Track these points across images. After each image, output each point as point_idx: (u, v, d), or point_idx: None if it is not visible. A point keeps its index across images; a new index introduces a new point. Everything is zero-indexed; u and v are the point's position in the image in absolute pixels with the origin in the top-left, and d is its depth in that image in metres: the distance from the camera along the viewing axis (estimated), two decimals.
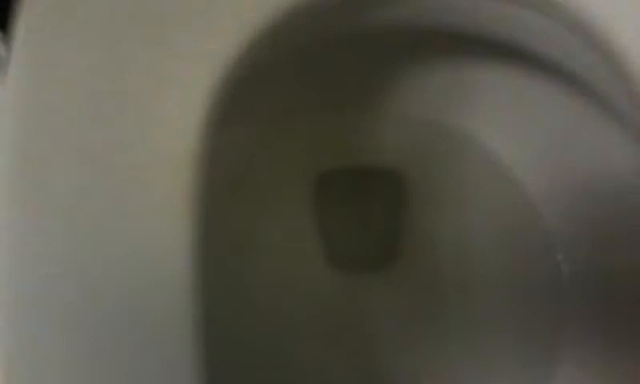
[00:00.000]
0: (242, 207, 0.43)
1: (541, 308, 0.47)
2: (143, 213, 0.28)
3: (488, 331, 0.47)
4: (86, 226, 0.28)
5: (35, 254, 0.28)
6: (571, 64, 0.36)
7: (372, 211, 0.50)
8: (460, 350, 0.46)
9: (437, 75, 0.46)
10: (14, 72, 0.29)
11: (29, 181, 0.28)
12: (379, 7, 0.36)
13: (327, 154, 0.50)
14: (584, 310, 0.45)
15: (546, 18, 0.34)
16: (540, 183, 0.47)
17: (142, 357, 0.27)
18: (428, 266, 0.48)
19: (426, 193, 0.50)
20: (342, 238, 0.50)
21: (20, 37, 0.30)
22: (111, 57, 0.30)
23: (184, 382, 0.26)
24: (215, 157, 0.31)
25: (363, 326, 0.47)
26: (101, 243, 0.28)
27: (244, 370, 0.43)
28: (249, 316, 0.43)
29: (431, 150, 0.49)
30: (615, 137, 0.41)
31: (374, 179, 0.50)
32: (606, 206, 0.44)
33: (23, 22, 0.30)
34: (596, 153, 0.43)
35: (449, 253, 0.48)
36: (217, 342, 0.31)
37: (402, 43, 0.42)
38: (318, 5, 0.33)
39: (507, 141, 0.47)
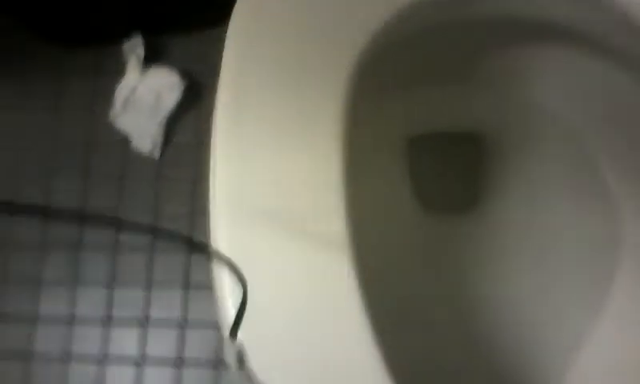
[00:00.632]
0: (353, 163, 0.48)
1: (599, 242, 0.56)
2: None
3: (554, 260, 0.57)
4: None
5: None
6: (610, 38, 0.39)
7: (457, 166, 0.61)
8: (532, 279, 0.57)
9: (512, 55, 0.54)
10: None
11: None
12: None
13: (421, 119, 0.61)
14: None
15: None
16: (597, 141, 0.54)
17: None
18: (502, 210, 0.59)
19: (502, 151, 0.60)
20: (432, 187, 0.61)
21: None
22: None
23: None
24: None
25: (449, 257, 0.59)
26: None
27: None
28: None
29: (506, 116, 0.59)
30: None
31: (459, 141, 0.61)
32: None
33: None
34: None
35: (520, 199, 0.59)
36: None
37: (492, 31, 0.50)
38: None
39: (571, 108, 0.54)
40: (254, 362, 0.36)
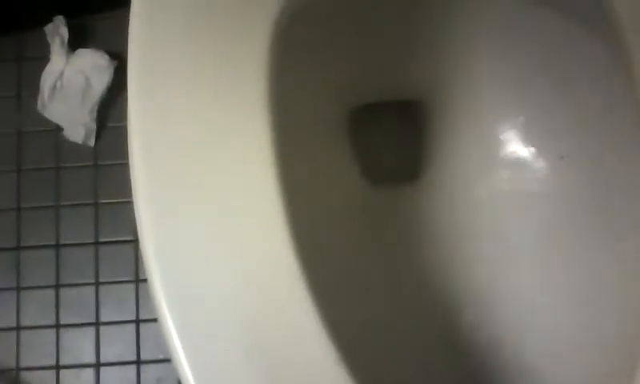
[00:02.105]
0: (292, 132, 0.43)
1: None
2: None
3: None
4: None
5: None
6: None
7: (398, 136, 0.59)
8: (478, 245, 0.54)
9: (442, 12, 0.50)
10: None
11: None
12: None
13: (357, 89, 0.57)
14: None
15: None
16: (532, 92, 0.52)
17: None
18: (450, 176, 0.56)
19: (444, 119, 0.57)
20: (375, 157, 0.58)
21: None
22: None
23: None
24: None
25: (395, 224, 0.56)
26: None
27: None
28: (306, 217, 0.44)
29: (442, 79, 0.55)
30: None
31: (399, 110, 0.58)
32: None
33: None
34: None
35: (463, 166, 0.55)
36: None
37: None
38: None
39: (506, 60, 0.52)
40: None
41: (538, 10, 0.46)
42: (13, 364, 0.79)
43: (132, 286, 0.80)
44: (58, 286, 0.81)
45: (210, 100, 0.37)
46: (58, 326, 0.80)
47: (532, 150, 0.53)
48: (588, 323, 0.45)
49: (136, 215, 0.36)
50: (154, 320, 0.79)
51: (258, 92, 0.37)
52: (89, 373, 0.78)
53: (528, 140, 0.53)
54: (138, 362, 0.78)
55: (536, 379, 0.48)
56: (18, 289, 0.81)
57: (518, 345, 0.50)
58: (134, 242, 0.81)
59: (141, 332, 0.79)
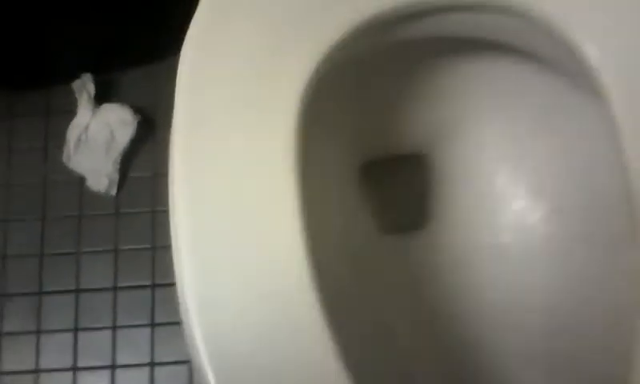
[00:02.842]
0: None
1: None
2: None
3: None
4: None
5: None
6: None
7: (408, 186, 0.62)
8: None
9: (451, 74, 0.55)
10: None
11: None
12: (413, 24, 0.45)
13: (370, 144, 0.61)
14: None
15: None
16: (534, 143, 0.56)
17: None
18: (453, 225, 0.60)
19: (446, 172, 0.61)
20: (384, 207, 0.61)
21: None
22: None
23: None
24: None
25: (408, 272, 0.59)
26: None
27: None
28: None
29: (450, 139, 0.60)
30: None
31: (408, 162, 0.62)
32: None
33: None
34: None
35: (469, 215, 0.59)
36: None
37: (436, 48, 0.51)
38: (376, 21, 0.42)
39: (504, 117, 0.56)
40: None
41: (536, 72, 0.50)
42: None
43: (148, 330, 0.83)
44: (76, 330, 0.83)
45: (244, 147, 0.41)
46: (75, 368, 0.82)
47: (526, 202, 0.56)
48: None
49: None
50: (168, 363, 0.81)
51: (286, 144, 0.41)
52: None
53: (523, 193, 0.56)
54: None
55: None
56: (38, 332, 0.84)
57: None
58: (151, 287, 0.84)
59: (155, 375, 0.81)
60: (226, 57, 0.42)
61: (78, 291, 0.85)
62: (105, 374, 0.82)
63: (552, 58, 0.42)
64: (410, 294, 0.59)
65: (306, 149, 0.43)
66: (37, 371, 0.83)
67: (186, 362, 0.80)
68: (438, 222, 0.61)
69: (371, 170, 0.63)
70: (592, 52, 0.37)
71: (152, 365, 0.82)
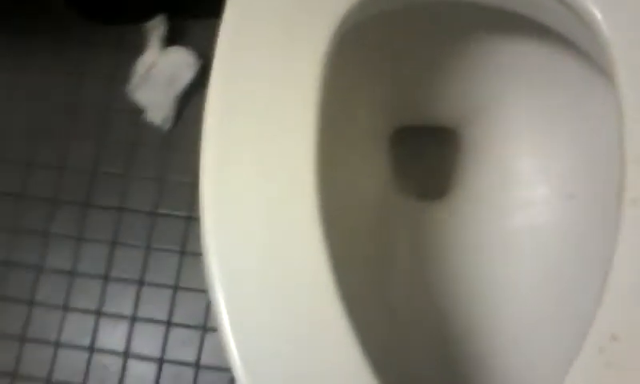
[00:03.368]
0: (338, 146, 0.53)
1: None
2: None
3: None
4: None
5: None
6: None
7: (435, 157, 0.67)
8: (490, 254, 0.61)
9: (483, 53, 0.59)
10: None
11: None
12: None
13: (402, 112, 0.66)
14: None
15: None
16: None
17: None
18: (471, 198, 0.64)
19: (472, 148, 0.65)
20: (409, 174, 0.66)
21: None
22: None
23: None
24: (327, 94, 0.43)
25: (424, 238, 0.63)
26: None
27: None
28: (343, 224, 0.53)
29: (479, 116, 0.64)
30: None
31: (439, 135, 0.66)
32: None
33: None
34: None
35: (481, 193, 0.64)
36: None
37: (476, 16, 0.54)
38: None
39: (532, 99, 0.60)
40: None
41: (568, 59, 0.54)
42: None
43: (177, 256, 0.90)
44: (113, 244, 0.91)
45: (269, 94, 0.45)
46: (106, 277, 0.90)
47: (544, 187, 0.61)
48: None
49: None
50: (190, 289, 0.88)
51: (311, 93, 0.44)
52: None
53: (541, 178, 0.61)
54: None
55: None
56: (79, 239, 0.92)
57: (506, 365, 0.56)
58: (186, 218, 0.91)
59: (177, 297, 0.88)
60: (260, 19, 0.47)
61: (120, 209, 0.93)
62: (132, 288, 0.90)
63: (572, 35, 0.47)
64: (417, 260, 0.63)
65: (332, 101, 0.46)
66: (72, 273, 0.91)
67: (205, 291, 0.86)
68: (456, 195, 0.65)
69: (404, 136, 0.68)
70: (602, 23, 0.41)
71: (175, 288, 0.89)
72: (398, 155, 0.68)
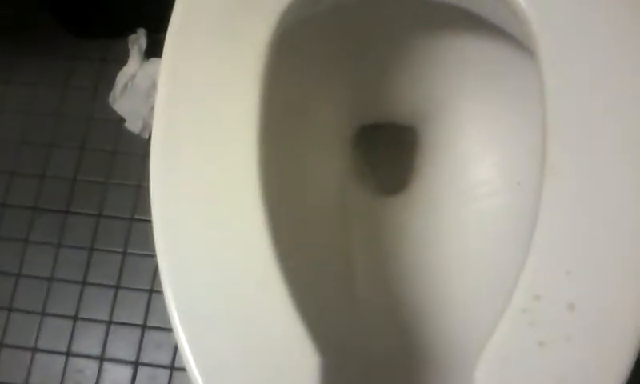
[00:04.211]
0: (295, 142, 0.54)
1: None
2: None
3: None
4: None
5: None
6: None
7: (394, 154, 0.68)
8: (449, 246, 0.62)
9: (436, 51, 0.61)
10: None
11: None
12: None
13: (363, 109, 0.68)
14: None
15: None
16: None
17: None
18: (427, 191, 0.66)
19: (429, 144, 0.67)
20: (370, 170, 0.67)
21: None
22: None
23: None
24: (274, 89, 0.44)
25: (385, 232, 0.65)
26: None
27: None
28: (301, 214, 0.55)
29: (434, 114, 0.66)
30: None
31: (398, 132, 0.68)
32: None
33: None
34: None
35: (442, 180, 0.66)
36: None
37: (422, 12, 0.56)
38: None
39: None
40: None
41: (514, 54, 0.57)
42: None
43: (154, 260, 0.91)
44: (91, 249, 0.93)
45: (212, 88, 0.47)
46: (84, 283, 0.92)
47: (495, 176, 0.63)
48: None
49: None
50: None
51: (253, 85, 0.45)
52: None
53: (492, 166, 0.63)
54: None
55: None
56: (59, 246, 0.94)
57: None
58: None
59: (152, 301, 0.90)
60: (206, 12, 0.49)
61: (99, 216, 0.95)
62: (109, 293, 0.91)
63: (507, 25, 0.49)
64: (376, 249, 0.65)
65: (280, 96, 0.48)
66: (50, 279, 0.93)
67: None
68: (414, 188, 0.67)
69: (364, 134, 0.70)
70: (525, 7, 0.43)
71: (151, 291, 0.90)
72: (358, 152, 0.70)
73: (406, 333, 0.57)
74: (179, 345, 0.42)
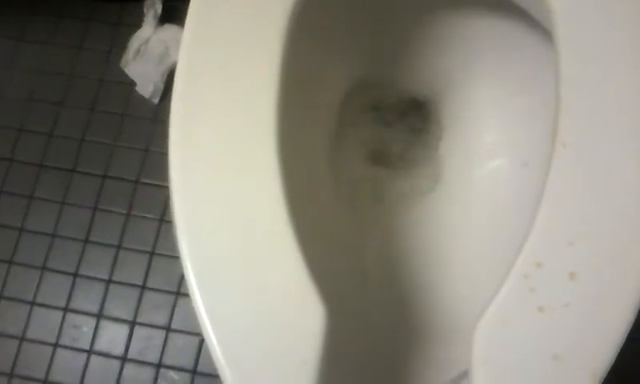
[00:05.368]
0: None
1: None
2: None
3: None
4: None
5: None
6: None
7: (404, 128, 0.68)
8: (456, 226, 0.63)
9: (452, 27, 0.62)
10: None
11: None
12: None
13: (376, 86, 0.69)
14: None
15: None
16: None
17: None
18: (437, 168, 0.67)
19: (443, 118, 0.67)
20: (377, 144, 0.68)
21: None
22: None
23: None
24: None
25: (396, 206, 0.66)
26: None
27: None
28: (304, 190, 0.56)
29: (446, 90, 0.66)
30: None
31: (409, 107, 0.69)
32: None
33: None
34: None
35: (452, 159, 0.66)
36: None
37: None
38: None
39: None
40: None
41: (527, 32, 0.57)
42: None
43: (156, 223, 0.92)
44: (95, 209, 0.94)
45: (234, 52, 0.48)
46: (86, 241, 0.93)
47: (503, 157, 0.64)
48: None
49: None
50: (166, 256, 0.91)
51: (272, 64, 0.46)
52: None
53: (500, 145, 0.64)
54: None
55: None
56: (63, 203, 0.95)
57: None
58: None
59: (152, 262, 0.91)
60: None
61: (104, 177, 0.95)
62: (110, 252, 0.92)
63: (524, 3, 0.50)
64: (385, 223, 0.67)
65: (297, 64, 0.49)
66: (53, 236, 0.94)
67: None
68: (421, 164, 0.69)
69: (375, 108, 0.71)
70: None
71: (152, 254, 0.91)
72: (369, 127, 0.71)
73: (410, 304, 0.59)
74: (190, 290, 0.43)
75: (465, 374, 0.40)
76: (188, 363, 0.85)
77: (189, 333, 0.86)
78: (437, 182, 0.67)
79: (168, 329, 0.87)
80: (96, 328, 0.89)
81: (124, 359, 0.87)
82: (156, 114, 0.97)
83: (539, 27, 0.52)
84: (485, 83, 0.63)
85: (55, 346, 0.89)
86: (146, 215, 0.93)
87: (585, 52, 0.43)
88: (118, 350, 0.87)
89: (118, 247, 0.92)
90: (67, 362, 0.89)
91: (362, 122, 0.71)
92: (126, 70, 0.98)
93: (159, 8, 0.98)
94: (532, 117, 0.60)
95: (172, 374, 0.85)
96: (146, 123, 0.97)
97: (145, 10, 0.99)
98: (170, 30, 0.97)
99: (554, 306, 0.39)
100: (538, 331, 0.39)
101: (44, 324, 0.91)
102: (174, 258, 0.89)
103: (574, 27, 0.44)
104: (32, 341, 0.90)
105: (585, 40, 0.43)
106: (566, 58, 0.43)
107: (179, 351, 0.86)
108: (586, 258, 0.40)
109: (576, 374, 0.37)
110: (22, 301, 0.92)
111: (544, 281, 0.40)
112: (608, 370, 0.37)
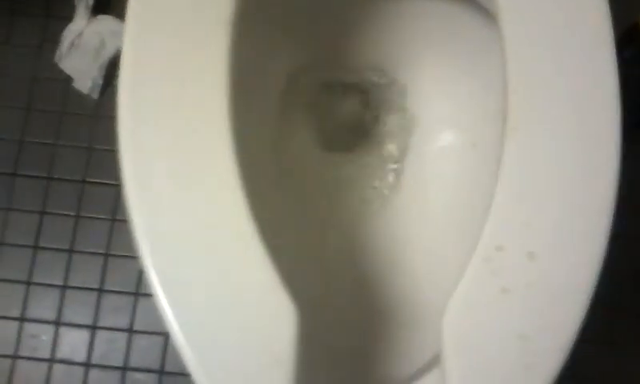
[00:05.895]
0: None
1: None
2: None
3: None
4: None
5: None
6: None
7: (352, 111, 0.69)
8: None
9: (396, 9, 0.61)
10: None
11: None
12: None
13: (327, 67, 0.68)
14: None
15: None
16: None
17: None
18: (375, 152, 0.67)
19: (387, 102, 0.67)
20: (326, 128, 0.68)
21: None
22: None
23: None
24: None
25: (351, 192, 0.66)
26: None
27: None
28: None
29: (393, 70, 0.66)
30: None
31: (357, 90, 0.68)
32: None
33: None
34: None
35: (400, 143, 0.66)
36: None
37: None
38: None
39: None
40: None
41: (470, 14, 0.58)
42: None
43: (108, 223, 0.90)
44: (42, 213, 0.91)
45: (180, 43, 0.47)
46: (36, 247, 0.90)
47: (451, 136, 0.65)
48: None
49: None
50: (121, 256, 0.89)
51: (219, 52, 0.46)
52: None
53: (450, 128, 0.65)
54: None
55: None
56: (8, 210, 0.91)
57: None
58: (116, 186, 0.91)
59: (108, 263, 0.89)
60: None
61: (49, 179, 0.92)
62: (62, 257, 0.89)
63: None
64: (342, 210, 0.67)
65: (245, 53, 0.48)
66: (1, 243, 0.90)
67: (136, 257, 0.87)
68: (368, 145, 0.69)
69: (322, 92, 0.71)
70: None
71: (107, 255, 0.89)
72: (315, 110, 0.70)
73: (374, 292, 0.59)
74: (156, 299, 0.43)
75: (436, 359, 0.41)
76: (154, 363, 0.84)
77: (152, 333, 0.85)
78: (388, 162, 0.67)
79: (130, 330, 0.86)
80: (55, 336, 0.87)
81: (88, 365, 0.85)
82: (96, 110, 0.94)
83: (484, 10, 0.53)
84: (427, 65, 0.64)
85: (14, 357, 0.87)
86: (96, 216, 0.91)
87: (530, 35, 0.44)
88: (81, 356, 0.86)
89: (71, 251, 0.90)
90: (29, 373, 0.86)
91: (309, 106, 0.70)
92: (61, 65, 0.94)
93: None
94: (480, 97, 0.61)
95: (138, 375, 0.84)
96: (86, 120, 0.94)
97: (76, 2, 0.94)
98: (104, 21, 0.94)
99: (517, 287, 0.40)
100: (504, 311, 0.40)
101: (1, 336, 0.88)
102: (130, 257, 0.88)
103: (517, 10, 0.44)
104: None
105: (529, 23, 0.44)
106: (511, 42, 0.44)
107: (144, 352, 0.84)
108: (543, 237, 0.41)
109: (543, 351, 0.39)
110: None
111: (505, 263, 0.41)
112: (574, 344, 0.39)
